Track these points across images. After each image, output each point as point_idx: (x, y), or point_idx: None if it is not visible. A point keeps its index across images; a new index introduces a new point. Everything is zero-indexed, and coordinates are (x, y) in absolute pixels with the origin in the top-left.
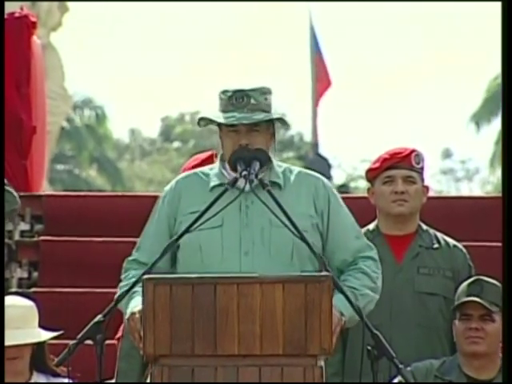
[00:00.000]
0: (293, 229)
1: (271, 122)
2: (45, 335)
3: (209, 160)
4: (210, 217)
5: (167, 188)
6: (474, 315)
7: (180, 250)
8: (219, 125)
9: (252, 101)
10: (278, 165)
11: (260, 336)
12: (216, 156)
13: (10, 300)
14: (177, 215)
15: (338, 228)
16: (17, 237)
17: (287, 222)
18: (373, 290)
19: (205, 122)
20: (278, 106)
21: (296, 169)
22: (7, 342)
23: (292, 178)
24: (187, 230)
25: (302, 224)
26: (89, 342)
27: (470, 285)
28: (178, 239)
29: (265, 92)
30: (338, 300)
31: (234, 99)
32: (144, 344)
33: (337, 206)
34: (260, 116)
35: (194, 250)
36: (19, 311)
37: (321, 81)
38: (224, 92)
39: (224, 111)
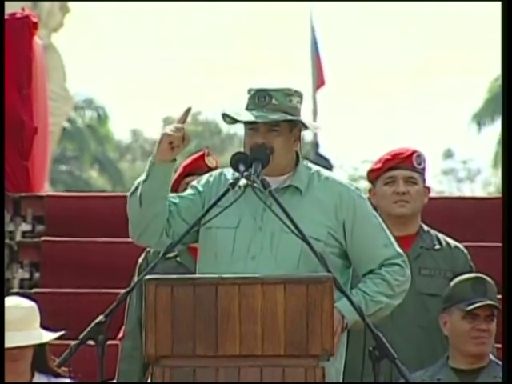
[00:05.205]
0: (298, 234)
1: (295, 124)
2: (46, 336)
3: (200, 159)
4: (215, 215)
5: (210, 174)
6: (481, 315)
7: (200, 244)
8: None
9: (273, 101)
10: (308, 167)
11: (261, 337)
12: (208, 155)
13: (11, 301)
14: (205, 201)
15: (364, 237)
16: (18, 237)
17: (294, 228)
18: (389, 297)
19: (229, 118)
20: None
21: (325, 174)
22: (9, 344)
23: (317, 183)
24: (188, 231)
25: (317, 232)
26: (90, 342)
27: (473, 283)
28: (179, 241)
29: (290, 94)
30: (343, 303)
31: (257, 98)
32: (145, 345)
33: (364, 214)
34: (276, 116)
35: (211, 247)
36: (21, 312)
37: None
38: (249, 90)
39: (246, 109)
